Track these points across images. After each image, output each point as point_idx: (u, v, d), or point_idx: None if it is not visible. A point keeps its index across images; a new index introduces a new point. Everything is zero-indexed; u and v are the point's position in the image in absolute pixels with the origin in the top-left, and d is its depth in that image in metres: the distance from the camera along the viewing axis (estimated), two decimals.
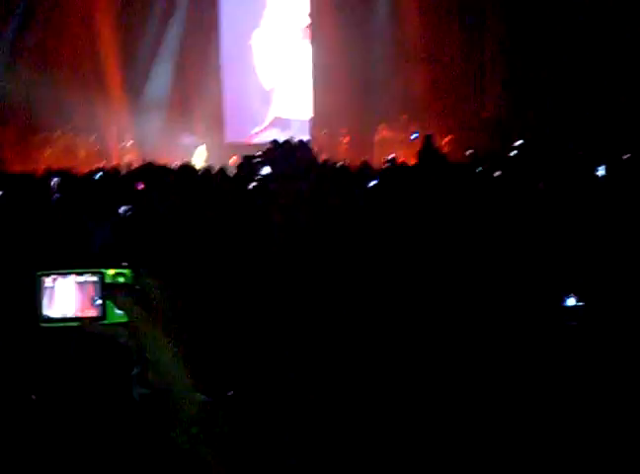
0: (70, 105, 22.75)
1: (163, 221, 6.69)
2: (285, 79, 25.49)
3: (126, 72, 23.86)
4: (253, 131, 25.45)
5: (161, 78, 24.61)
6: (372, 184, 9.15)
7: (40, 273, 2.07)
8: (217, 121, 25.19)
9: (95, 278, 2.03)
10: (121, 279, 2.02)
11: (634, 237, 6.48)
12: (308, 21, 25.10)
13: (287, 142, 11.43)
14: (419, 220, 7.81)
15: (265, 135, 25.28)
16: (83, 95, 22.58)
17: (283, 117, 25.36)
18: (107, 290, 2.02)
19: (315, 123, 24.45)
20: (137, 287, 2.00)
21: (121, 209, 7.42)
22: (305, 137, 24.07)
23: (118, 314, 2.02)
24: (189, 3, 25.03)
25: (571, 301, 5.93)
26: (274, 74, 25.53)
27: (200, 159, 22.53)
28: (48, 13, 24.17)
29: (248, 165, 9.86)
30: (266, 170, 8.79)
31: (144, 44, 24.64)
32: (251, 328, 4.86)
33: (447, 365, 5.40)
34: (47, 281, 2.07)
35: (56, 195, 9.76)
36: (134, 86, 23.87)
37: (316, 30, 24.82)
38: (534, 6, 20.07)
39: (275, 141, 11.71)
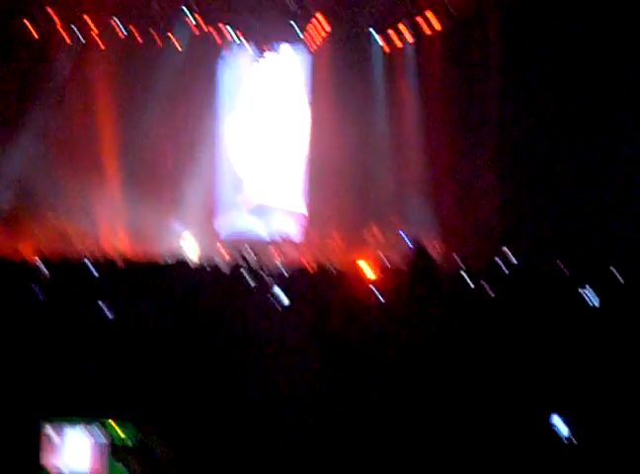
0: (64, 186, 22.72)
1: (152, 334, 6.64)
2: (269, 167, 25.70)
3: (123, 157, 23.85)
4: (232, 218, 25.59)
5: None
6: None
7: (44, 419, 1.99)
8: (208, 210, 25.22)
9: (102, 439, 1.98)
10: (125, 436, 1.98)
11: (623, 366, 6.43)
12: (303, 111, 25.39)
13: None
14: (408, 329, 7.81)
15: (245, 222, 25.43)
16: (77, 177, 22.57)
17: (266, 204, 25.47)
18: (115, 451, 1.97)
19: (306, 218, 24.49)
20: (143, 448, 1.97)
21: (109, 314, 7.32)
22: (292, 230, 24.27)
23: (121, 469, 1.98)
24: (190, 90, 25.15)
25: (558, 422, 5.70)
26: (253, 164, 25.79)
27: (190, 250, 22.51)
28: (49, 94, 24.28)
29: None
30: (282, 298, 8.89)
31: (143, 131, 24.70)
32: None
33: None
34: (50, 429, 1.98)
35: (47, 282, 9.71)
36: (130, 171, 23.84)
37: (313, 121, 25.08)
38: (529, 116, 20.20)
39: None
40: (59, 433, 1.92)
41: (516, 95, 20.70)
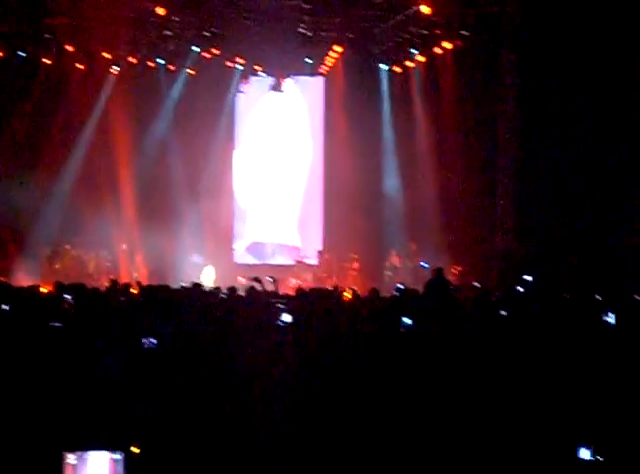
0: (81, 218, 22.73)
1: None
2: (282, 193, 25.88)
3: (140, 188, 23.90)
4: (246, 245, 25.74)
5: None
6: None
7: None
8: (226, 242, 25.26)
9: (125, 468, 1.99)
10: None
11: None
12: (316, 136, 25.53)
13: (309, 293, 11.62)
14: (422, 355, 7.82)
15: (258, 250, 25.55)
16: (94, 209, 22.58)
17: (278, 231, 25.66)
18: None
19: (324, 247, 24.45)
20: None
21: (145, 341, 7.34)
22: (312, 261, 24.25)
23: None
24: (207, 122, 25.25)
25: (584, 454, 5.56)
26: (253, 195, 25.95)
27: (208, 278, 22.48)
28: (63, 126, 24.39)
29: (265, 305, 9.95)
30: (287, 318, 8.93)
31: (159, 163, 24.72)
32: None
33: None
34: (73, 459, 1.99)
35: (67, 314, 9.72)
36: (148, 202, 23.84)
37: (327, 146, 25.17)
38: (546, 142, 20.04)
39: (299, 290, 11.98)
40: (83, 462, 1.92)
41: (531, 114, 20.49)
